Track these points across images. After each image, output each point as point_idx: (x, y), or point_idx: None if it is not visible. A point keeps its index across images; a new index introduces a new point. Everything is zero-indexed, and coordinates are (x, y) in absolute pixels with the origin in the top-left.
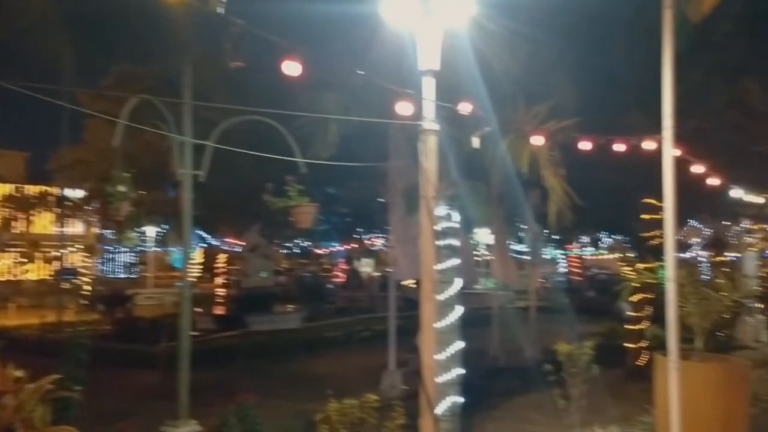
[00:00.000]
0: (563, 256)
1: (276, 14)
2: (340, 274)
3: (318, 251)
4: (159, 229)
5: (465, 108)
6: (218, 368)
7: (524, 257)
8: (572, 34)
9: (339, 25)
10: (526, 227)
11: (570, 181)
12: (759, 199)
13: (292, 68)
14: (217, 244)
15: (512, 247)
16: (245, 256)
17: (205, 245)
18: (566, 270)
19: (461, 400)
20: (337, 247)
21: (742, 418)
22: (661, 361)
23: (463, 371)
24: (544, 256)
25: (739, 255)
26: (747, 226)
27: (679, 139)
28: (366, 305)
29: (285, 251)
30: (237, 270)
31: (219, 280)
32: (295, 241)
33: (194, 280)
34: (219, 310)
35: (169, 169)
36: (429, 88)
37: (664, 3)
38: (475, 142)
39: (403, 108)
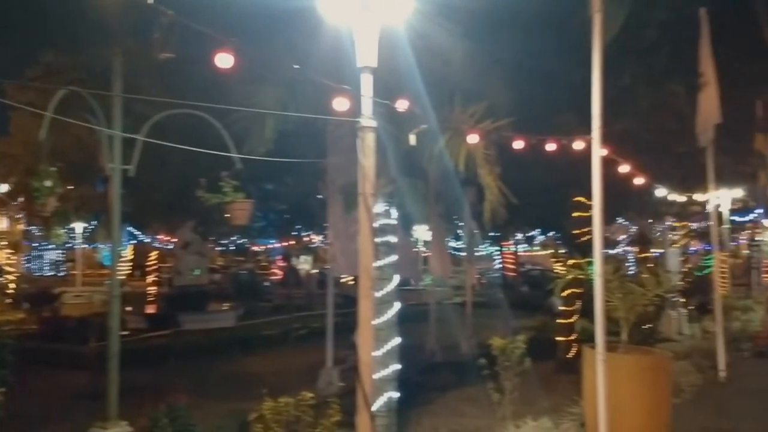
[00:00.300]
0: (498, 253)
1: (211, 6)
2: (277, 271)
3: (255, 248)
4: (87, 226)
5: (402, 105)
6: (149, 368)
7: (461, 254)
8: (508, 35)
9: (277, 19)
10: (463, 224)
11: (505, 179)
12: (681, 198)
13: (224, 61)
14: (149, 241)
15: (450, 243)
16: (178, 254)
17: (136, 242)
18: (501, 266)
19: (398, 395)
20: (275, 244)
21: (665, 407)
22: (589, 353)
23: (400, 367)
24: (480, 253)
25: (663, 251)
26: (671, 223)
27: (607, 139)
28: (304, 303)
29: (220, 248)
30: (169, 268)
31: (150, 278)
32: (231, 238)
33: (124, 278)
34: (150, 309)
35: (98, 163)
36: (367, 84)
37: (593, 7)
38: (412, 139)
39: (341, 104)
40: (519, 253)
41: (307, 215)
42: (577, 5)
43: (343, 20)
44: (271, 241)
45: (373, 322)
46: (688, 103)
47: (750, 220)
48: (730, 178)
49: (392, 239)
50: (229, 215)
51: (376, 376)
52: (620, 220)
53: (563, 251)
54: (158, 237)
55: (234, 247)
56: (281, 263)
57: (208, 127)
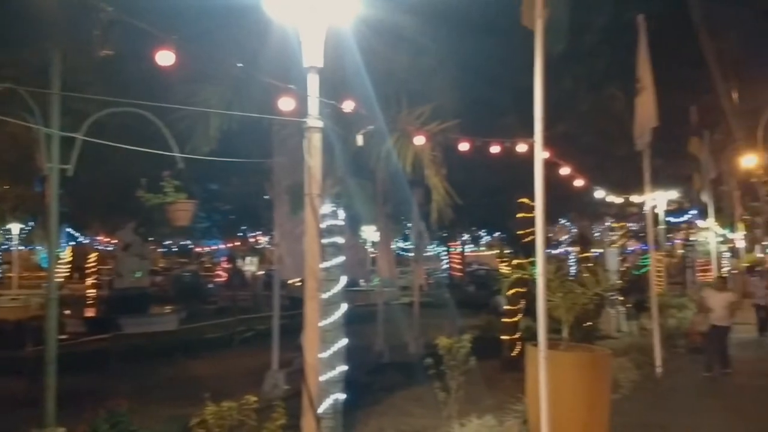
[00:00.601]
0: (446, 253)
1: (155, 3)
2: (221, 273)
3: (198, 250)
4: (24, 227)
5: (349, 106)
6: (89, 373)
7: (409, 254)
8: (454, 39)
9: (224, 18)
10: (411, 225)
11: (451, 181)
12: (619, 200)
13: (165, 58)
14: (88, 242)
15: (398, 244)
16: (118, 255)
17: (75, 243)
18: (448, 266)
19: (344, 397)
20: (219, 246)
21: (604, 403)
22: (531, 351)
23: (346, 368)
24: (428, 253)
25: (602, 251)
26: (610, 224)
27: (549, 142)
28: (249, 305)
29: (162, 250)
30: (109, 270)
31: (90, 281)
32: (174, 239)
33: (62, 280)
34: (89, 312)
35: (36, 162)
36: (313, 84)
37: (536, 13)
38: (359, 140)
39: (286, 104)
40: (466, 254)
41: (253, 216)
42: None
43: (290, 20)
44: (215, 243)
45: (320, 324)
46: (627, 108)
47: (685, 221)
48: (665, 180)
49: (339, 240)
50: (170, 216)
51: (322, 378)
52: (562, 221)
53: (508, 251)
54: (98, 238)
55: (177, 249)
56: (226, 265)
57: (151, 125)
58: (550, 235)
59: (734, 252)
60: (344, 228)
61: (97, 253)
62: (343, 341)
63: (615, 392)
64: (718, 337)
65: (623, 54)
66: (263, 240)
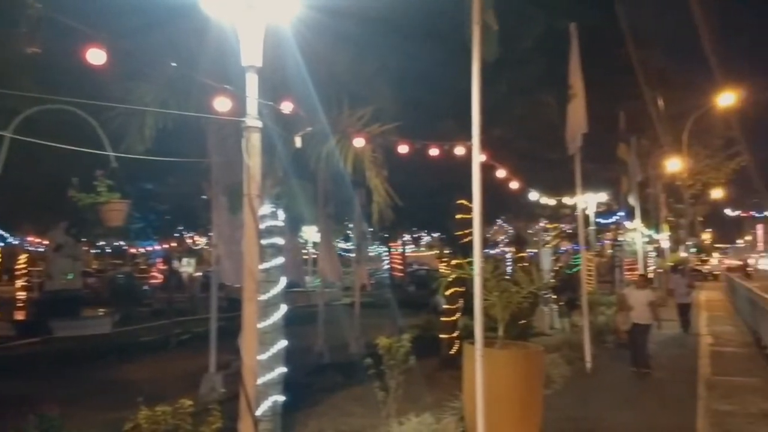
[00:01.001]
0: (387, 253)
1: (90, 1)
2: (157, 274)
3: (133, 251)
4: None
5: (287, 107)
6: (19, 378)
7: (351, 255)
8: (394, 42)
9: (159, 15)
10: (353, 226)
11: (392, 182)
12: (552, 202)
13: (96, 57)
14: (18, 243)
15: (340, 244)
16: (49, 257)
17: (4, 245)
18: (389, 266)
19: (283, 399)
20: (155, 247)
21: (537, 398)
22: (468, 349)
23: (286, 370)
24: (369, 254)
25: (537, 251)
26: (544, 225)
27: (486, 145)
28: (186, 307)
29: (95, 251)
30: (40, 271)
31: (20, 283)
32: (108, 240)
33: None
34: (19, 315)
35: None
36: (252, 84)
37: (473, 19)
38: (298, 141)
39: (222, 104)
40: (407, 254)
41: (190, 216)
42: (459, 17)
43: (228, 19)
44: (151, 244)
45: (259, 326)
46: (559, 113)
47: (613, 222)
48: (596, 183)
49: (279, 241)
50: (102, 216)
51: (261, 380)
52: (500, 222)
53: (448, 251)
54: (28, 239)
55: (110, 250)
56: (162, 266)
57: (84, 124)
58: (488, 235)
59: (660, 252)
60: (284, 229)
61: (27, 255)
62: (283, 343)
63: (548, 387)
64: (639, 335)
65: (556, 61)
66: (201, 241)
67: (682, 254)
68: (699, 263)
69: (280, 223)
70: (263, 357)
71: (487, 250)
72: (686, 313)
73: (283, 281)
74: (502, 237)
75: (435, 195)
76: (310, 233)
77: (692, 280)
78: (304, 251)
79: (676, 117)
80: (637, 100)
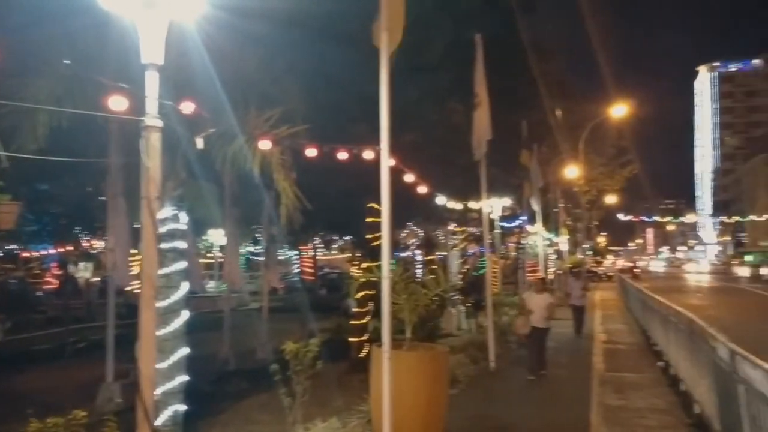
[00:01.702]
0: (297, 257)
1: None
2: (52, 280)
3: (26, 255)
4: None
5: (188, 106)
6: None
7: (260, 258)
8: (304, 44)
9: (55, 10)
10: (261, 228)
11: (303, 185)
12: (459, 206)
13: None
14: None
15: (249, 248)
16: None
17: None
18: (300, 270)
19: (184, 408)
20: (50, 251)
21: (442, 398)
22: (376, 351)
23: (187, 378)
24: (279, 257)
25: (445, 254)
26: (452, 228)
27: (396, 150)
28: (83, 314)
29: None
30: None
31: None
32: None
33: None
34: None
35: None
36: (152, 82)
37: (381, 25)
38: (199, 142)
39: (117, 102)
40: (318, 257)
41: (88, 219)
42: (369, 21)
43: (128, 15)
44: (45, 247)
45: (158, 333)
46: (466, 120)
47: (517, 226)
48: (500, 188)
49: (181, 245)
50: None
51: (160, 389)
52: (411, 225)
53: (359, 254)
54: None
55: (1, 254)
56: (57, 271)
57: None
58: (398, 238)
59: (559, 254)
60: (187, 232)
61: None
62: (184, 350)
63: (453, 387)
64: (538, 339)
65: (465, 70)
66: (98, 244)
67: (580, 256)
68: (594, 265)
69: (182, 226)
70: (163, 365)
71: (397, 253)
72: (580, 316)
73: (185, 286)
74: (413, 240)
75: (346, 198)
76: (217, 236)
77: (587, 283)
78: (209, 255)
79: (574, 126)
80: (538, 110)
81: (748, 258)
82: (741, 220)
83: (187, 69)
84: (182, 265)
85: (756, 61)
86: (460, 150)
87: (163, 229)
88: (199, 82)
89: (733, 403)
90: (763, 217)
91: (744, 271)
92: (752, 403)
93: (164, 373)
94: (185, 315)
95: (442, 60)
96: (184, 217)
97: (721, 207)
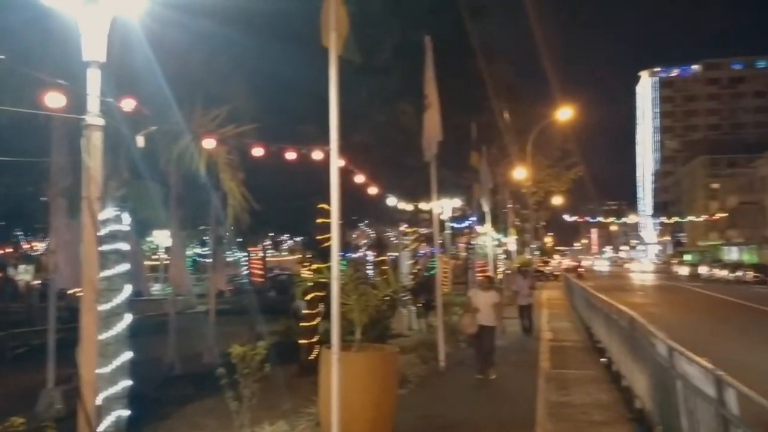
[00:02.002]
0: (246, 258)
1: None
2: None
3: None
4: None
5: (129, 104)
6: None
7: (207, 260)
8: (252, 42)
9: None
10: (209, 230)
11: (251, 185)
12: (409, 206)
13: None
14: None
15: (195, 250)
16: None
17: None
18: (249, 272)
19: (128, 413)
20: None
21: (391, 399)
22: (325, 353)
23: (131, 383)
24: (227, 259)
25: (397, 254)
26: (404, 229)
27: (345, 150)
28: (23, 318)
29: None
30: None
31: None
32: None
33: None
34: None
35: None
36: (94, 80)
37: (330, 26)
38: (140, 140)
39: (53, 100)
40: (267, 258)
41: (28, 220)
42: (317, 21)
43: (69, 11)
44: None
45: (100, 337)
46: (417, 121)
47: (467, 226)
48: (450, 189)
49: (124, 247)
50: None
51: (103, 394)
52: (363, 226)
53: (309, 255)
54: None
55: None
56: None
57: None
58: (350, 239)
59: (508, 254)
60: (130, 234)
61: None
62: (127, 354)
63: (403, 387)
64: (485, 337)
65: (415, 72)
66: (39, 246)
67: (528, 256)
68: (542, 265)
69: (125, 228)
70: (105, 370)
71: (349, 254)
72: (528, 315)
73: (127, 289)
74: (365, 241)
75: (296, 198)
76: (162, 238)
77: (534, 282)
78: (155, 257)
79: (522, 129)
80: (488, 112)
81: (687, 257)
82: (680, 220)
83: (130, 66)
84: (125, 267)
85: (695, 67)
86: (410, 151)
87: (104, 231)
88: (143, 80)
89: (671, 397)
90: (701, 218)
91: (683, 270)
92: (689, 397)
93: (107, 378)
94: (128, 318)
95: (392, 61)
96: (126, 218)
97: (661, 208)
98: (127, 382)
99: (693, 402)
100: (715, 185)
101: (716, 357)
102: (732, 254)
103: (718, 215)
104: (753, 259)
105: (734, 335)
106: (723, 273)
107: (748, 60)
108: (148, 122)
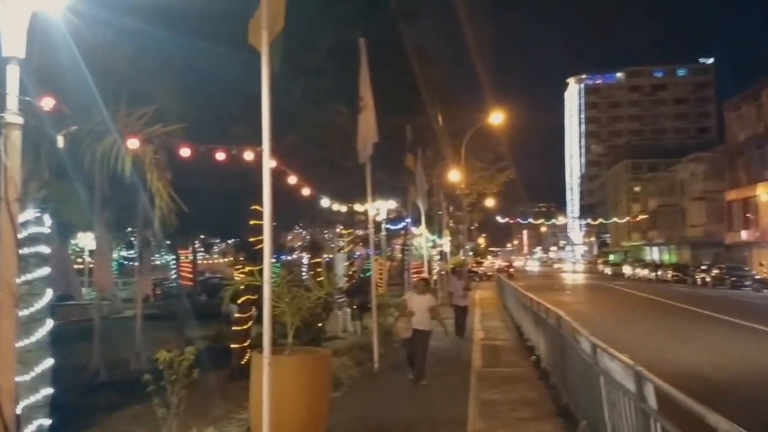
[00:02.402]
0: (175, 262)
1: None
2: None
3: None
4: None
5: (49, 102)
6: None
7: (134, 263)
8: (181, 39)
9: None
10: (136, 232)
11: (181, 186)
12: (344, 208)
13: None
14: None
15: (123, 253)
16: None
17: None
18: (178, 275)
19: (50, 422)
20: None
21: (324, 402)
22: (256, 358)
23: (52, 391)
24: (156, 262)
25: (332, 256)
26: (339, 231)
27: (279, 151)
28: None
29: None
30: None
31: None
32: None
33: None
34: None
35: None
36: (13, 77)
37: (261, 24)
38: (60, 140)
39: None
40: (198, 262)
41: None
42: (248, 18)
43: None
44: None
45: (19, 344)
46: (352, 123)
47: (402, 228)
48: (386, 191)
49: (45, 250)
50: None
51: (23, 403)
52: (298, 228)
53: (242, 258)
54: None
55: None
56: None
57: None
58: (286, 240)
59: (443, 255)
60: (51, 236)
61: None
62: (49, 361)
63: (337, 390)
64: (420, 342)
65: (349, 73)
66: None
67: (462, 257)
68: (475, 265)
69: (45, 230)
70: (25, 378)
71: (283, 256)
72: (462, 316)
73: (49, 294)
74: (300, 243)
75: (228, 200)
76: (87, 241)
77: (468, 282)
78: (79, 260)
79: (456, 132)
80: (423, 115)
81: (611, 257)
82: (605, 222)
83: (52, 63)
84: (46, 271)
85: (619, 75)
86: (344, 152)
87: (24, 233)
88: (65, 78)
89: (595, 392)
90: (624, 219)
91: (608, 270)
92: (611, 392)
93: (27, 386)
94: (50, 324)
95: (326, 61)
96: (48, 220)
97: (587, 210)
98: (49, 390)
99: (615, 396)
100: (637, 188)
101: (637, 349)
102: (653, 254)
103: (640, 217)
104: (672, 258)
105: (655, 330)
106: (645, 272)
107: (669, 68)
108: (70, 121)
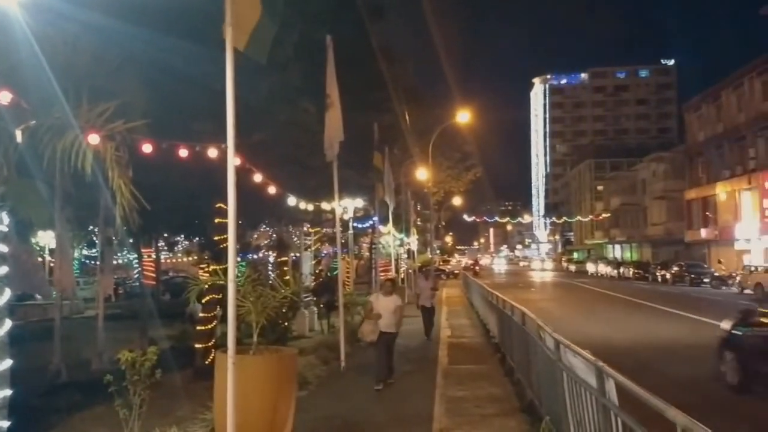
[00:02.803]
0: (138, 261)
1: None
2: None
3: None
4: None
5: (6, 97)
6: None
7: (95, 262)
8: (145, 33)
9: None
10: (98, 230)
11: (144, 184)
12: (311, 206)
13: None
14: None
15: (84, 252)
16: None
17: None
18: (141, 274)
19: (8, 424)
20: None
21: (290, 401)
22: (220, 358)
23: (11, 392)
24: (118, 261)
25: (299, 255)
26: (306, 229)
27: (245, 149)
28: None
29: None
30: None
31: None
32: None
33: None
34: None
35: None
36: None
37: (225, 20)
38: (18, 135)
39: None
40: (161, 261)
41: None
42: (215, 14)
43: None
44: None
45: None
46: (319, 121)
47: (370, 226)
48: (354, 189)
49: (2, 248)
50: None
51: None
52: (264, 226)
53: (206, 257)
54: None
55: None
56: None
57: None
58: (252, 239)
59: (410, 253)
60: (9, 235)
61: None
62: (7, 362)
63: (303, 389)
64: (386, 344)
65: (316, 70)
66: None
67: (429, 255)
68: (442, 263)
69: (3, 228)
70: None
71: (249, 255)
72: (429, 317)
73: (7, 293)
74: (266, 241)
75: (191, 198)
76: (47, 239)
77: (436, 283)
78: (39, 259)
79: (423, 131)
80: (390, 113)
81: (575, 255)
82: (569, 220)
83: (10, 57)
84: (3, 270)
85: (583, 75)
86: (311, 150)
87: None
88: (24, 71)
89: (558, 388)
90: (588, 218)
91: (572, 267)
92: (573, 387)
93: None
94: (8, 324)
95: (292, 59)
96: (6, 218)
97: (552, 208)
98: (7, 392)
99: (577, 391)
100: (600, 187)
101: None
102: (615, 252)
103: (603, 215)
104: (634, 256)
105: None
106: (608, 269)
107: (631, 69)
108: (30, 116)
